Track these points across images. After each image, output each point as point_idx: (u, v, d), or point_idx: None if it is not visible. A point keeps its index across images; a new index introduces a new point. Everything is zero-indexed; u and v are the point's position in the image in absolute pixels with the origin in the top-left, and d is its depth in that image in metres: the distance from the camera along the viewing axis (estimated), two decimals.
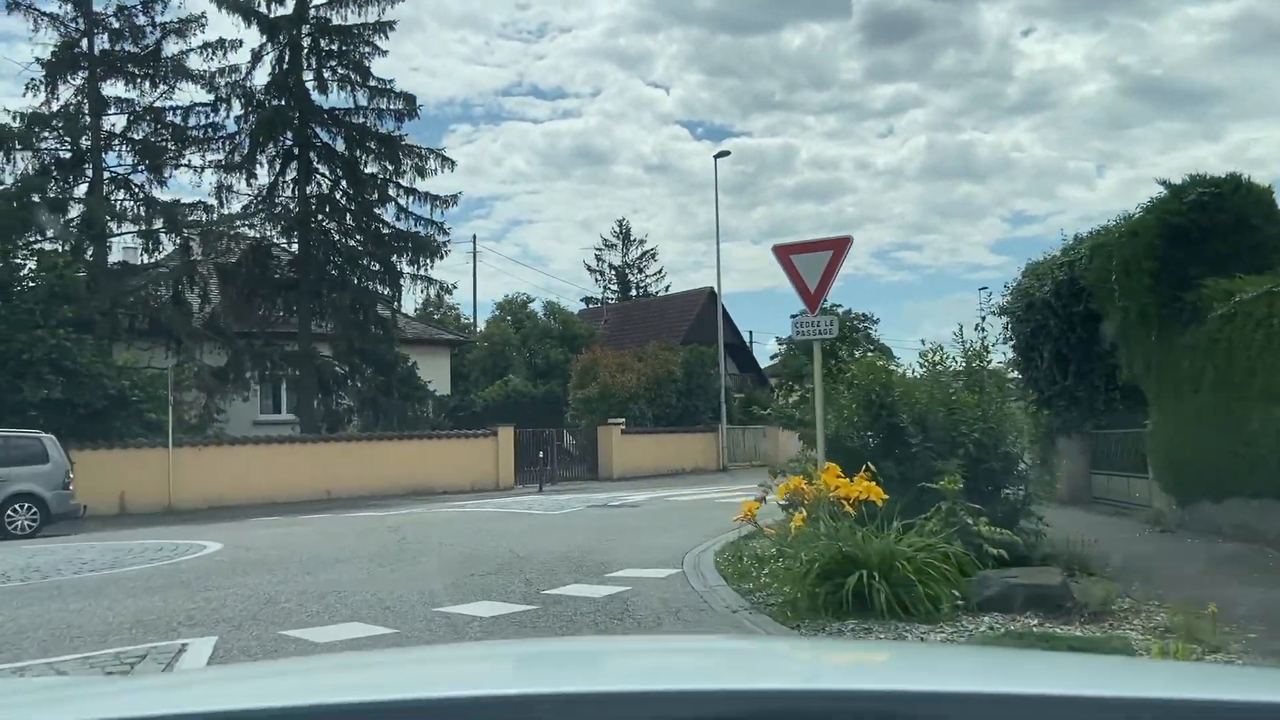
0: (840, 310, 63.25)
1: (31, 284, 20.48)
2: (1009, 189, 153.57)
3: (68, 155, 24.55)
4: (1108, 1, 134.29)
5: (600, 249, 75.27)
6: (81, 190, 24.43)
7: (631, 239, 74.35)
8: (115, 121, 25.02)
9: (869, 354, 61.17)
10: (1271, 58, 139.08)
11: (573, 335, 43.46)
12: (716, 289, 36.78)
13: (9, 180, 22.95)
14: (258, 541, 13.56)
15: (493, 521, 16.02)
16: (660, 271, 75.26)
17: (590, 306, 59.49)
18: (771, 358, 57.08)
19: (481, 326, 47.13)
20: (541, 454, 27.24)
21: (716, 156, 35.52)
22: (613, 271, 74.27)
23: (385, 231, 27.70)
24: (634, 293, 70.58)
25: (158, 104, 25.23)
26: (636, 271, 74.38)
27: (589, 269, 74.58)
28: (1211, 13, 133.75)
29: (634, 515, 17.00)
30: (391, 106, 27.08)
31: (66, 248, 24.35)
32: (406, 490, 25.06)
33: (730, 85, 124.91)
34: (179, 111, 25.60)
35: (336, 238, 27.69)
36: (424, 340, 33.97)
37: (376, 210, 27.64)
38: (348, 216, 27.62)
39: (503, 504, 20.17)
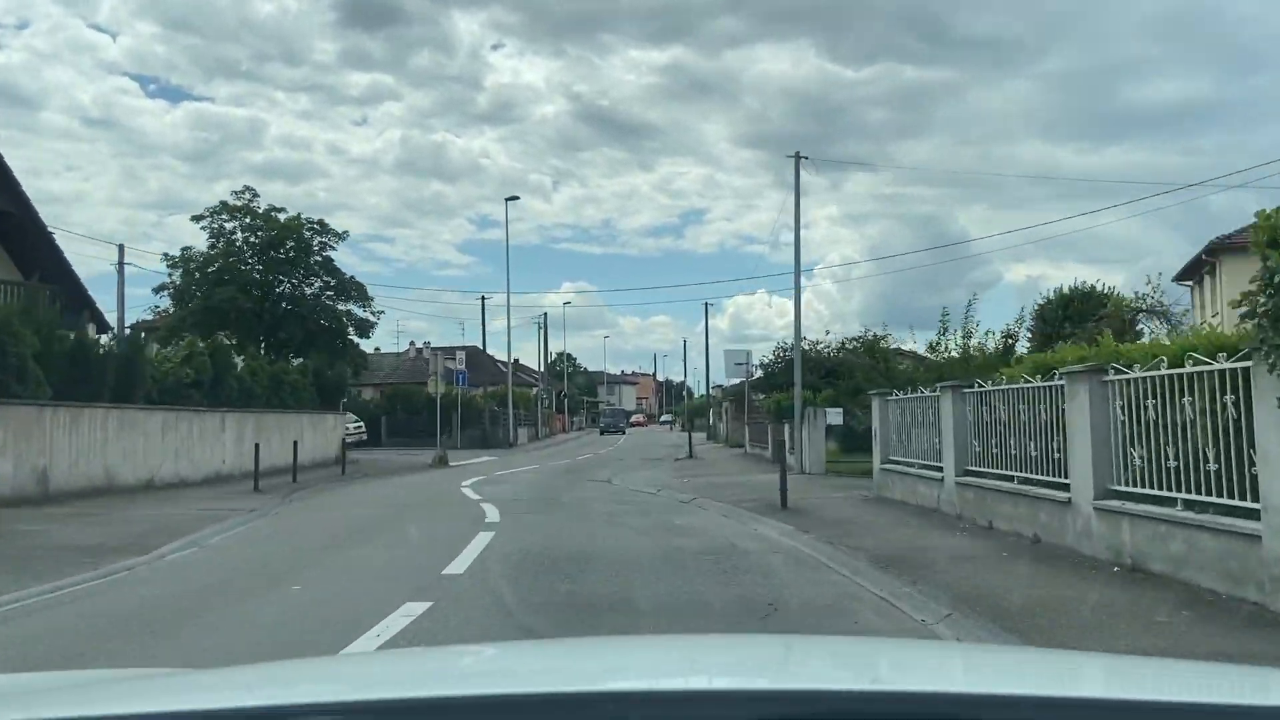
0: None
1: None
2: (477, 193, 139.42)
3: None
4: (567, 31, 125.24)
5: None
6: None
7: None
8: None
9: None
10: (695, 104, 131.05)
11: None
12: None
13: None
14: None
15: None
16: None
17: None
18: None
19: None
20: None
21: None
22: None
23: None
24: None
25: None
26: None
27: None
28: (649, 57, 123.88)
29: None
30: None
31: None
32: None
33: (191, 43, 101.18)
34: None
35: None
36: None
37: None
38: None
39: None
